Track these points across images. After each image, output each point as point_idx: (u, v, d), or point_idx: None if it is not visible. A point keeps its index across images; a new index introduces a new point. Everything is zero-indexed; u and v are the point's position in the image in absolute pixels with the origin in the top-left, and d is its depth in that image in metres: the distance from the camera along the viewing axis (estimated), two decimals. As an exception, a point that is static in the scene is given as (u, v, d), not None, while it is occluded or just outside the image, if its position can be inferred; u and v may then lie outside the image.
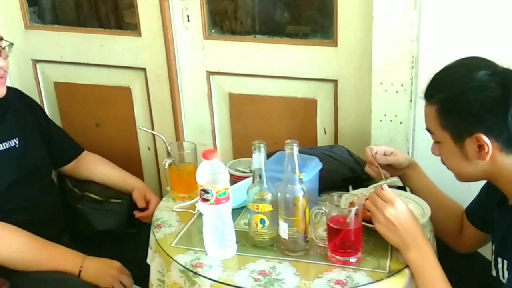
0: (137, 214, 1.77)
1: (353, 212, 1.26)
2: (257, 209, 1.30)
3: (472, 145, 1.19)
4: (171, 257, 1.31)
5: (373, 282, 1.22)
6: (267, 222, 1.31)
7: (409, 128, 1.88)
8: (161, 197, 2.00)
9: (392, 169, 1.57)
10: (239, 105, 2.07)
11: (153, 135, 2.13)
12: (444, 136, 1.24)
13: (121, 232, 1.80)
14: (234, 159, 1.95)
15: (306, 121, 2.04)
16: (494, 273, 1.25)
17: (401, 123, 1.88)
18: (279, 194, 1.29)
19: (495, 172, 1.22)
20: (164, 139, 1.63)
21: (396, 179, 1.34)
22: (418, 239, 1.25)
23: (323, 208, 1.29)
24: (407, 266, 1.26)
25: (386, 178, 1.49)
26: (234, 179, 1.68)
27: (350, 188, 1.66)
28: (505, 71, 1.20)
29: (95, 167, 1.90)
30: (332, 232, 1.28)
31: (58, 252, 1.56)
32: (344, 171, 1.69)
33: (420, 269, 1.23)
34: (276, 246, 1.35)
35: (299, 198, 1.27)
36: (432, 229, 1.44)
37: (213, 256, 1.30)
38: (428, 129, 1.30)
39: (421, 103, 1.80)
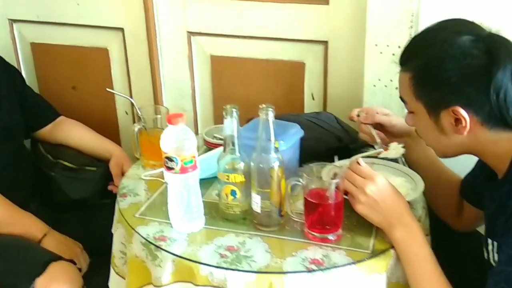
0: (111, 187, 1.68)
1: (333, 185, 1.15)
2: (228, 179, 1.19)
3: (448, 118, 1.08)
4: (133, 228, 1.21)
5: (352, 263, 1.11)
6: (238, 194, 1.20)
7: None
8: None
9: (387, 134, 1.45)
10: (221, 68, 1.95)
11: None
12: (418, 106, 1.13)
13: (95, 202, 1.74)
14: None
15: (292, 86, 1.92)
16: (485, 255, 1.14)
17: (396, 88, 1.73)
18: (252, 164, 1.17)
19: (476, 147, 1.11)
20: (134, 102, 1.52)
21: (402, 145, 1.23)
22: (404, 216, 1.15)
23: (301, 180, 1.18)
24: (392, 247, 1.16)
25: (378, 143, 1.41)
26: (210, 147, 1.57)
27: (336, 158, 1.54)
28: (491, 36, 1.07)
29: (71, 131, 1.83)
30: (310, 207, 1.18)
31: (23, 218, 1.52)
32: (330, 140, 1.57)
33: (407, 250, 1.13)
34: (248, 220, 1.24)
35: (274, 168, 1.16)
36: (425, 205, 1.33)
37: (178, 229, 1.20)
38: (401, 98, 1.19)
39: None
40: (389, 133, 1.44)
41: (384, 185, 1.15)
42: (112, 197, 1.63)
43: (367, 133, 1.45)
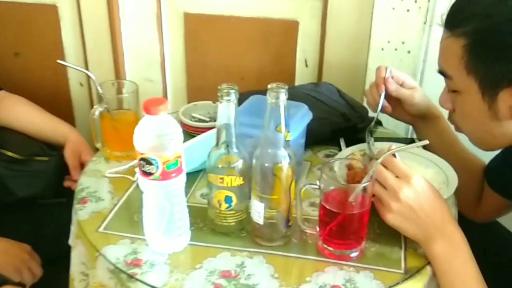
0: (67, 182, 1.41)
1: (360, 189, 0.91)
2: (222, 183, 0.94)
3: (508, 98, 0.87)
4: (97, 250, 0.95)
5: (385, 289, 0.89)
6: (234, 201, 0.96)
7: (419, 59, 1.54)
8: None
9: (401, 109, 1.26)
10: (197, 29, 1.67)
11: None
12: (468, 84, 0.91)
13: (47, 201, 1.46)
14: (189, 101, 1.58)
15: (282, 50, 1.66)
16: None
17: (408, 52, 1.53)
18: (254, 162, 0.93)
19: None
20: (93, 77, 1.23)
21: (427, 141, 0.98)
22: (446, 226, 0.93)
23: (318, 183, 0.94)
24: (428, 262, 0.95)
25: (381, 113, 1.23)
26: (189, 131, 1.31)
27: (342, 142, 1.32)
28: None
29: (14, 110, 1.52)
30: (327, 215, 0.94)
31: None
32: (336, 119, 1.34)
33: (449, 267, 0.92)
34: (245, 231, 1.00)
35: (283, 168, 0.91)
36: (456, 201, 1.11)
37: (156, 249, 0.95)
38: (442, 72, 0.97)
39: (439, 28, 1.47)
40: (401, 111, 1.25)
41: (423, 188, 0.93)
42: (69, 194, 1.37)
43: (374, 98, 1.23)
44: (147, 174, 0.87)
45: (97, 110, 1.17)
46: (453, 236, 0.93)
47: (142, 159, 0.86)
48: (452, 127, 1.12)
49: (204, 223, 1.03)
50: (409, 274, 0.93)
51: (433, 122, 1.28)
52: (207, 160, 0.96)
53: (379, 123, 1.42)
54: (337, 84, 1.53)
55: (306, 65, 1.67)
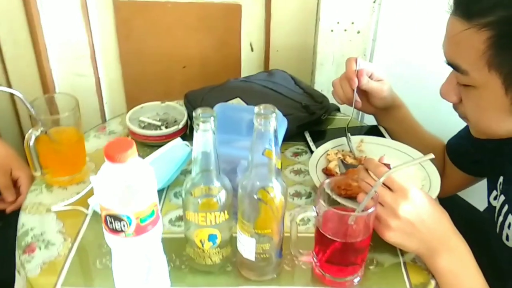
0: (1, 205, 1.13)
1: (360, 209, 0.74)
2: (205, 221, 0.73)
3: None
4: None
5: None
6: (219, 238, 0.76)
7: (369, 39, 1.37)
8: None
9: (365, 101, 1.13)
10: (130, 16, 1.40)
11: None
12: (488, 79, 0.74)
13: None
14: (126, 92, 1.35)
15: (225, 35, 1.43)
16: (506, 239, 0.88)
17: (358, 32, 1.35)
18: (240, 191, 0.73)
19: None
20: (22, 97, 0.93)
21: (433, 156, 0.83)
22: (449, 237, 0.80)
23: (314, 209, 0.76)
24: (432, 275, 0.81)
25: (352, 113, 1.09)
26: (141, 141, 1.08)
27: (308, 137, 1.14)
28: None
29: None
30: (325, 241, 0.76)
31: None
32: (301, 114, 1.15)
33: (454, 280, 0.79)
34: (230, 264, 0.81)
35: (276, 200, 0.72)
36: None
37: (133, 307, 0.73)
38: (452, 64, 0.79)
39: (388, 4, 1.30)
40: (365, 103, 1.13)
41: (421, 200, 0.79)
42: (4, 219, 1.11)
43: (346, 93, 1.07)
44: (116, 231, 0.65)
45: (33, 135, 0.90)
46: (457, 247, 0.80)
47: (109, 215, 0.63)
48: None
49: (181, 259, 0.82)
50: (417, 294, 0.78)
51: (395, 111, 1.16)
52: (183, 194, 0.75)
53: (337, 109, 1.26)
54: (285, 68, 1.35)
55: (252, 50, 1.46)
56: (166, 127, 1.12)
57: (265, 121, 0.67)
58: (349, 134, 1.07)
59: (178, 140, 1.02)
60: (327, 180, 0.78)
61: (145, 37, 1.42)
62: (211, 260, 0.78)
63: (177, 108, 1.17)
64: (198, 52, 1.45)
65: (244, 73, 1.48)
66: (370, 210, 0.73)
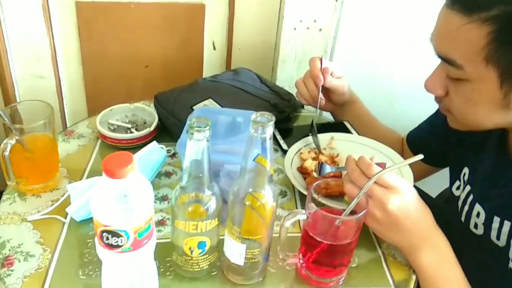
0: None
1: (348, 211, 0.74)
2: (196, 229, 0.71)
3: None
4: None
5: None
6: (208, 245, 0.74)
7: (330, 36, 1.38)
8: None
9: (326, 99, 1.13)
10: (92, 18, 1.34)
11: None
12: (484, 74, 0.72)
13: None
14: (88, 93, 1.32)
15: (188, 34, 1.40)
16: (474, 227, 0.90)
17: (320, 30, 1.35)
18: (231, 199, 0.71)
19: None
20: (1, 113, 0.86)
21: (421, 156, 0.83)
22: (431, 234, 0.81)
23: (304, 212, 0.75)
24: (413, 271, 0.82)
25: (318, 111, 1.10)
26: (112, 144, 1.04)
27: (277, 134, 1.13)
28: None
29: None
30: (312, 242, 0.76)
31: None
32: (271, 113, 1.13)
33: (435, 276, 0.80)
34: (216, 269, 0.79)
35: (267, 206, 0.70)
36: None
37: (124, 318, 0.70)
38: (445, 58, 0.76)
39: (350, 3, 1.31)
40: (328, 100, 1.14)
41: (410, 197, 0.79)
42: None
43: (312, 91, 1.07)
44: (113, 247, 0.61)
45: (8, 144, 0.84)
46: (438, 244, 0.81)
47: (105, 231, 0.60)
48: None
49: (165, 266, 0.79)
50: (400, 289, 0.79)
51: (352, 106, 1.18)
52: (172, 202, 0.72)
53: (302, 106, 1.25)
54: (247, 65, 1.33)
55: (214, 48, 1.43)
56: (136, 129, 1.08)
57: (262, 129, 0.65)
58: (315, 132, 1.06)
59: (154, 143, 0.98)
60: (316, 183, 0.77)
61: (107, 38, 1.37)
62: (199, 266, 0.76)
63: (146, 110, 1.13)
64: (161, 51, 1.41)
65: (207, 72, 1.45)
66: (359, 214, 0.73)
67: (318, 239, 0.74)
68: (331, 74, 1.10)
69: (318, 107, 1.09)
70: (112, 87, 1.43)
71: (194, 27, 1.38)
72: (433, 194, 1.27)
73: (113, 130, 1.07)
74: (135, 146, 1.04)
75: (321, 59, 1.08)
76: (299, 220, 0.87)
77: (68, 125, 1.44)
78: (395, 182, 0.78)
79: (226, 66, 1.45)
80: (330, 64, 1.10)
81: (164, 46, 1.39)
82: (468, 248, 0.92)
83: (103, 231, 0.59)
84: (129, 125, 1.10)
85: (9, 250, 0.80)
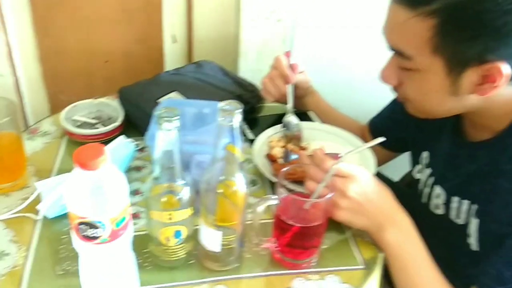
0: None
1: (314, 197, 0.78)
2: (170, 219, 0.73)
3: (474, 76, 0.76)
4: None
5: (356, 290, 0.80)
6: (184, 233, 0.77)
7: (288, 26, 1.40)
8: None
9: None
10: (47, 12, 1.33)
11: None
12: (431, 63, 0.77)
13: None
14: (48, 90, 1.35)
15: (147, 28, 1.40)
16: (436, 207, 0.98)
17: (279, 21, 1.39)
18: (204, 187, 0.74)
19: (480, 107, 0.83)
20: None
21: (384, 138, 0.88)
22: (394, 213, 0.86)
23: (275, 198, 0.79)
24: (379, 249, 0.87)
25: (290, 107, 1.13)
26: (79, 140, 1.04)
27: (243, 124, 1.16)
28: None
29: None
30: (284, 227, 0.80)
31: None
32: (236, 104, 1.16)
33: (401, 253, 0.85)
34: (193, 258, 0.82)
35: (239, 193, 0.73)
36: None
37: (105, 309, 0.72)
38: (396, 49, 0.82)
39: None
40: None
41: (367, 182, 0.85)
42: None
43: (280, 89, 1.11)
44: (90, 238, 0.63)
45: (-28, 144, 0.84)
46: (402, 222, 0.86)
47: (82, 223, 0.62)
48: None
49: (143, 257, 0.81)
50: (370, 267, 0.84)
51: (311, 97, 1.23)
52: (145, 194, 0.74)
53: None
54: (209, 58, 1.36)
55: (176, 41, 1.44)
56: (103, 125, 1.09)
57: (230, 117, 0.68)
58: (293, 121, 1.10)
59: (122, 138, 1.00)
60: (285, 169, 0.81)
61: (64, 33, 1.36)
62: (176, 255, 0.78)
63: (110, 105, 1.14)
64: (121, 46, 1.41)
65: (169, 65, 1.46)
66: (327, 196, 0.77)
67: (289, 222, 0.78)
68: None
69: (291, 102, 1.12)
70: (72, 83, 1.43)
71: (152, 20, 1.38)
72: (396, 178, 1.33)
73: (79, 127, 1.08)
74: (103, 141, 1.05)
75: (288, 56, 1.11)
76: (271, 206, 0.90)
77: (30, 124, 1.42)
78: (351, 170, 0.83)
79: (188, 59, 1.46)
80: (294, 60, 1.14)
81: (123, 40, 1.39)
82: (431, 228, 0.98)
83: (79, 223, 0.61)
84: (94, 121, 1.10)
85: (-18, 250, 0.81)
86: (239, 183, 0.73)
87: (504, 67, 0.73)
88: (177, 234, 0.76)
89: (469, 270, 0.86)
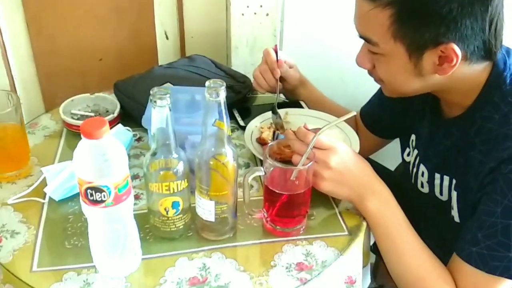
0: None
1: (301, 168, 0.93)
2: (168, 190, 0.87)
3: (433, 57, 0.92)
4: (44, 294, 0.83)
5: (340, 255, 0.93)
6: (181, 205, 0.91)
7: (277, 20, 1.56)
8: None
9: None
10: (40, 12, 1.47)
11: None
12: (394, 48, 0.93)
13: None
14: (43, 90, 1.50)
15: (140, 25, 1.55)
16: (421, 186, 1.12)
17: (267, 15, 1.54)
18: (197, 160, 0.88)
19: (446, 84, 0.97)
20: None
21: (355, 113, 1.03)
22: (373, 183, 1.00)
23: (262, 169, 0.93)
24: (363, 218, 1.02)
25: (277, 98, 1.28)
26: (75, 130, 1.19)
27: (236, 114, 1.31)
28: None
29: None
30: (273, 197, 0.94)
31: None
32: (227, 94, 1.30)
33: (382, 220, 0.99)
34: (191, 230, 0.96)
35: (229, 163, 0.88)
36: None
37: (112, 274, 0.86)
38: (364, 37, 0.97)
39: None
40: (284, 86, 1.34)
41: (347, 153, 0.99)
42: None
43: (270, 82, 1.26)
44: (96, 202, 0.77)
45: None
46: (381, 191, 1.00)
47: (89, 188, 0.76)
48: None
49: (145, 231, 0.95)
50: (353, 233, 0.98)
51: (301, 89, 1.37)
52: (144, 169, 0.88)
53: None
54: (201, 53, 1.50)
55: (167, 37, 1.59)
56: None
57: (216, 93, 0.82)
58: (279, 115, 1.25)
59: (120, 126, 1.14)
60: (270, 144, 0.95)
61: (57, 32, 1.50)
62: (175, 226, 0.92)
63: (107, 98, 1.28)
64: (114, 44, 1.55)
65: (162, 61, 1.61)
66: (308, 164, 0.91)
67: (277, 191, 0.92)
68: (284, 62, 1.28)
69: (277, 95, 1.27)
70: (67, 82, 1.57)
71: (144, 17, 1.53)
72: (391, 168, 1.47)
73: (77, 120, 1.22)
74: (100, 132, 1.19)
75: (276, 50, 1.26)
76: (261, 184, 1.05)
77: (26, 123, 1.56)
78: (331, 143, 0.97)
79: (180, 55, 1.61)
80: (282, 55, 1.29)
81: (116, 38, 1.54)
82: (418, 207, 1.12)
83: (87, 188, 0.75)
84: (92, 114, 1.24)
85: (-4, 229, 0.95)
86: (229, 156, 0.87)
87: (457, 48, 0.88)
88: (175, 204, 0.89)
89: (454, 244, 0.98)
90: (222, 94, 0.83)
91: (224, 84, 0.83)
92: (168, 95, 0.82)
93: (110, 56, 1.56)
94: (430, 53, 0.91)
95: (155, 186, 0.87)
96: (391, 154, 1.42)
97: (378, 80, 1.04)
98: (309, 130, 0.99)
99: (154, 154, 0.87)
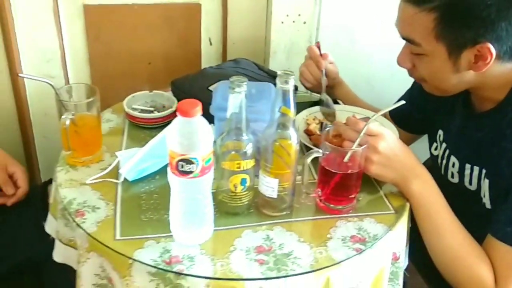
0: (2, 199, 1.27)
1: (354, 151, 1.01)
2: (239, 167, 0.96)
3: (470, 55, 1.01)
4: (130, 257, 0.92)
5: (389, 230, 1.02)
6: (248, 182, 1.00)
7: (313, 28, 1.66)
8: (27, 167, 1.51)
9: (318, 82, 1.42)
10: (98, 20, 1.59)
11: None
12: (436, 48, 1.03)
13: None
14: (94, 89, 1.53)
15: (187, 32, 1.66)
16: (451, 176, 1.20)
17: (304, 23, 1.64)
18: (265, 142, 0.97)
19: (480, 82, 1.07)
20: (52, 84, 1.13)
21: (403, 101, 1.12)
22: (416, 167, 1.09)
23: (320, 151, 1.02)
24: (406, 199, 1.10)
25: (324, 94, 1.37)
26: (136, 123, 1.28)
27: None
28: None
29: None
30: (328, 177, 1.03)
31: None
32: (274, 91, 1.41)
33: (424, 201, 1.07)
34: (252, 208, 1.05)
35: (293, 145, 0.97)
36: None
37: (188, 242, 0.95)
38: (407, 39, 1.07)
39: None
40: (317, 83, 1.41)
41: (393, 140, 1.08)
42: (6, 212, 1.26)
43: (315, 75, 1.35)
44: (186, 173, 0.86)
45: (67, 119, 1.08)
46: (422, 174, 1.08)
47: (181, 160, 0.85)
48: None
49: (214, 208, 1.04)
50: (399, 212, 1.06)
51: (339, 87, 1.47)
52: (217, 150, 0.97)
53: (296, 88, 1.52)
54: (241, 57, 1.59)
55: (211, 43, 1.69)
56: (158, 112, 1.32)
57: (286, 80, 0.91)
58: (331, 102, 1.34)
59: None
60: (327, 128, 1.04)
61: (112, 38, 1.61)
62: (241, 201, 1.01)
63: (164, 95, 1.38)
64: (162, 49, 1.66)
65: (204, 65, 1.71)
66: (363, 147, 1.00)
67: (332, 170, 1.01)
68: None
69: (324, 85, 1.36)
70: (117, 84, 1.67)
71: (191, 25, 1.64)
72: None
73: (139, 113, 1.31)
74: (160, 125, 1.28)
75: (318, 46, 1.36)
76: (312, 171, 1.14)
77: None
78: (380, 130, 1.06)
79: (222, 60, 1.71)
80: (326, 52, 1.39)
81: (165, 44, 1.65)
82: (448, 197, 1.20)
83: (179, 160, 0.84)
84: (151, 109, 1.34)
85: (77, 205, 1.04)
86: (293, 138, 0.96)
87: (492, 48, 0.98)
88: (243, 181, 0.98)
89: (481, 230, 1.06)
90: (291, 82, 0.92)
91: (293, 74, 0.93)
92: (245, 83, 0.91)
93: (158, 60, 1.66)
94: (467, 52, 1.00)
95: (227, 164, 0.96)
96: (415, 151, 1.50)
97: (419, 79, 1.13)
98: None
99: (228, 135, 0.96)
